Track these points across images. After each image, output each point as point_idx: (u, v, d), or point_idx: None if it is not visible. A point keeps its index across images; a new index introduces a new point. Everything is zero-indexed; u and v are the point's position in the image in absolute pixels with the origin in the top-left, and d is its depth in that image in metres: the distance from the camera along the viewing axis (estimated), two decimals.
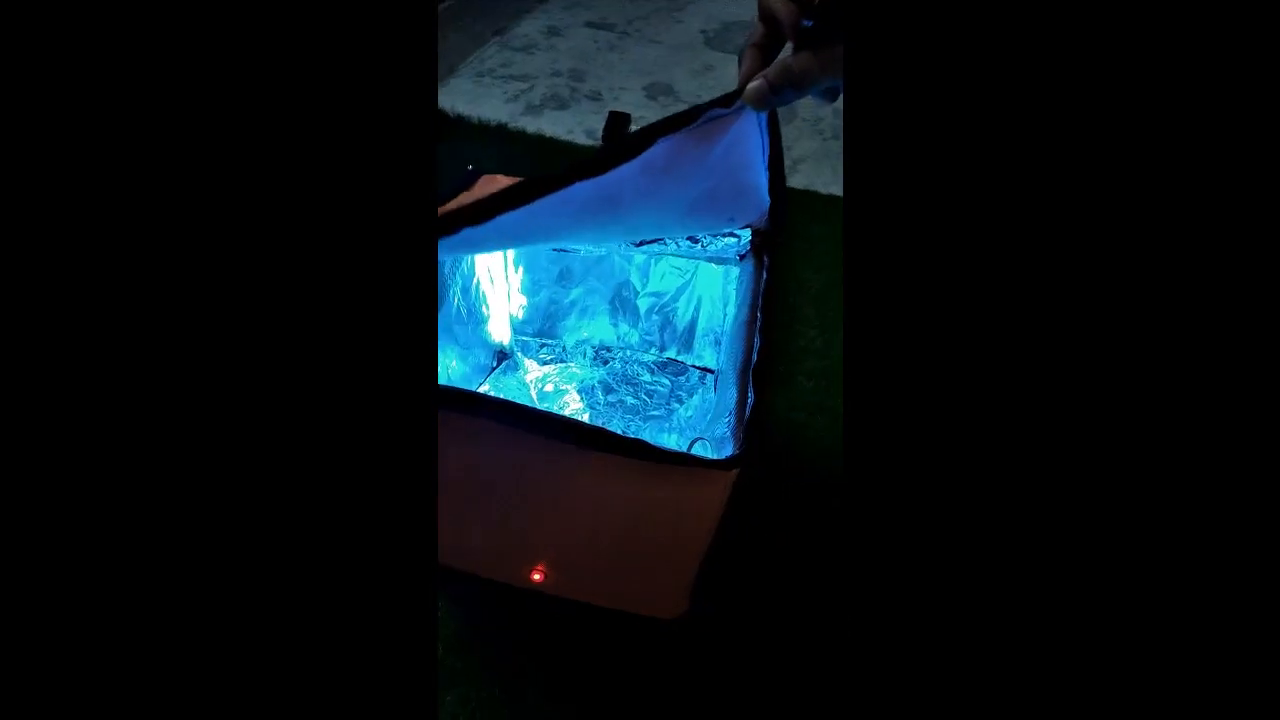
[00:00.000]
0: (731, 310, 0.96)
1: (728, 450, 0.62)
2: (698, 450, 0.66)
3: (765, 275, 0.78)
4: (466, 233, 0.55)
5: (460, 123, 1.72)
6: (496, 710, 0.78)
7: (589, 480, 0.64)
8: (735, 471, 0.59)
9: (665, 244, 0.86)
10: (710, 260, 0.94)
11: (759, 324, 0.72)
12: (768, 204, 0.76)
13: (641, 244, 0.87)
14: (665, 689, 0.81)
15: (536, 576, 0.84)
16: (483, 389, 1.05)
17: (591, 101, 1.86)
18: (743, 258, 0.85)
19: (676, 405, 1.06)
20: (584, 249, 0.91)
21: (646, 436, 1.03)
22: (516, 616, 0.85)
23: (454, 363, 0.92)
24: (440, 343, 0.86)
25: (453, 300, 0.88)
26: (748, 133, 0.59)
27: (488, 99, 1.85)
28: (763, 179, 0.71)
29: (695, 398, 1.07)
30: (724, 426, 0.65)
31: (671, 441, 1.02)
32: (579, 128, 1.76)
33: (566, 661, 0.83)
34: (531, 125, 1.75)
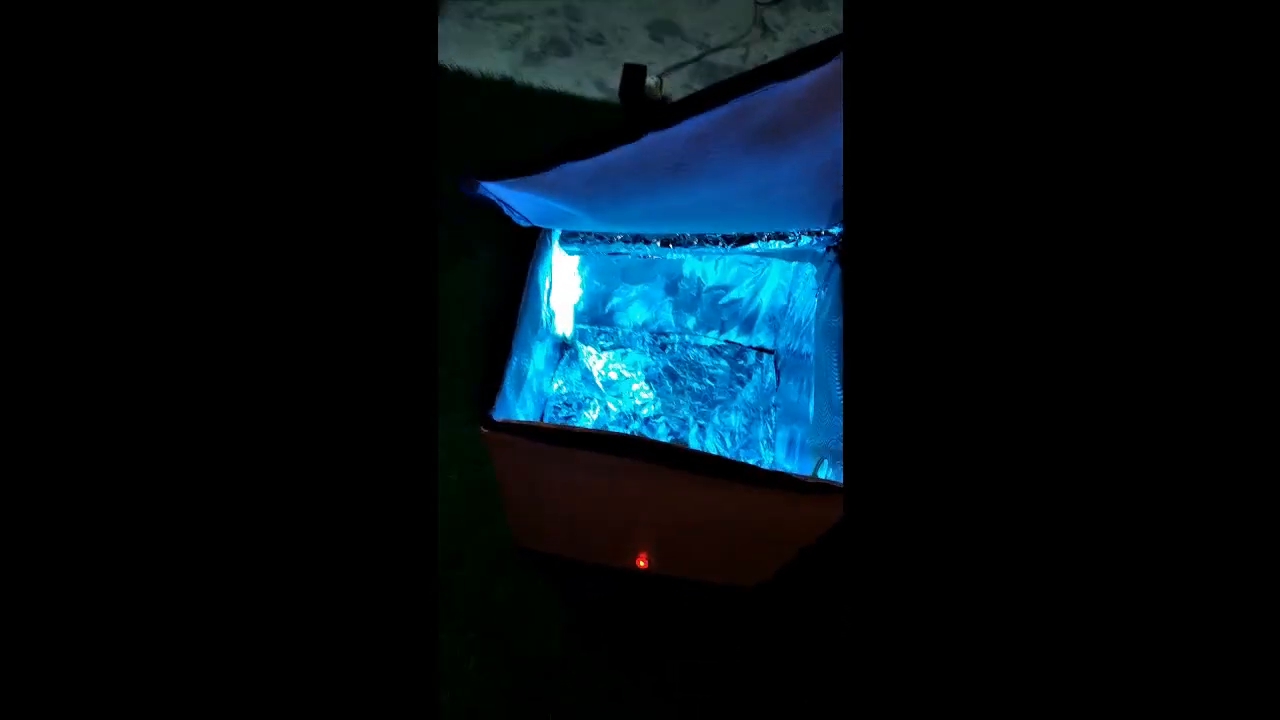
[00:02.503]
0: (801, 298, 0.98)
1: None
2: (825, 471, 0.70)
3: None
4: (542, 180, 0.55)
5: (462, 78, 1.62)
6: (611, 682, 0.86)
7: (719, 500, 0.68)
8: None
9: (755, 244, 0.86)
10: (789, 257, 0.95)
11: None
12: None
13: (734, 244, 0.86)
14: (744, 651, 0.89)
15: (641, 563, 0.90)
16: (556, 386, 1.06)
17: (595, 46, 1.77)
18: (829, 250, 0.86)
19: (738, 387, 1.10)
20: (671, 252, 0.90)
21: (715, 420, 1.07)
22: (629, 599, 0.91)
23: (541, 363, 0.93)
24: (535, 348, 0.87)
25: (542, 311, 0.88)
26: None
27: (483, 46, 1.74)
28: None
29: (755, 378, 1.11)
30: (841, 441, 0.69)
31: (737, 421, 1.06)
32: (587, 78, 1.68)
33: (665, 631, 0.91)
34: (537, 78, 1.65)
